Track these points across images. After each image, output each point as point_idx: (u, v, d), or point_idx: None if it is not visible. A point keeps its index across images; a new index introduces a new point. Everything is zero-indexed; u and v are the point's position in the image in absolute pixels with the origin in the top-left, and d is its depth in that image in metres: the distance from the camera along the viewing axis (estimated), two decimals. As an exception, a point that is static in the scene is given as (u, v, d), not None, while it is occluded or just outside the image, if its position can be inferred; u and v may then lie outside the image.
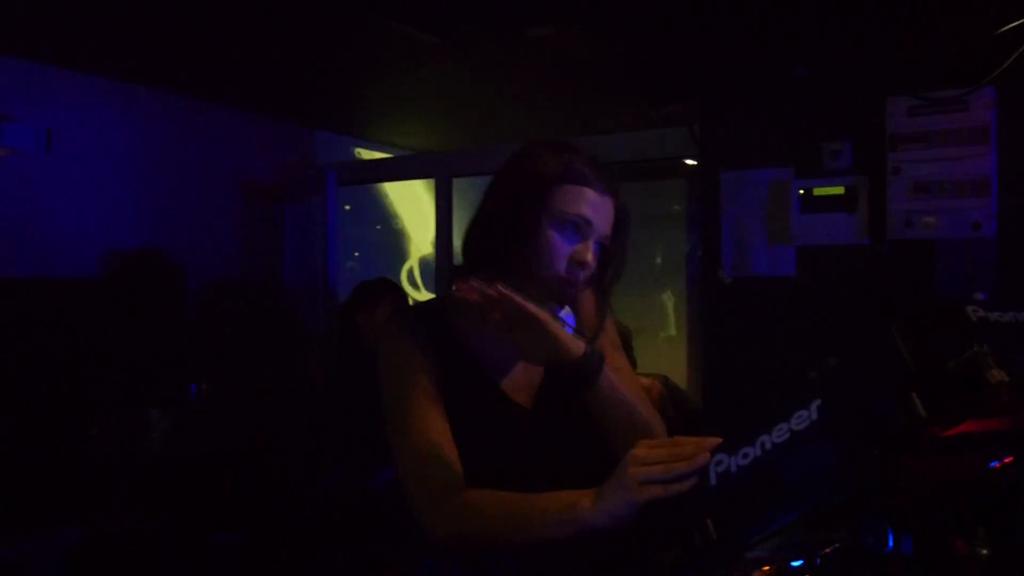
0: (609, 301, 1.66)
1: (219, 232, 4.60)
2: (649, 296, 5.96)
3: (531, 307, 1.37)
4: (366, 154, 5.66)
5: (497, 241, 1.49)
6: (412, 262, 6.42)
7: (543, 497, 1.26)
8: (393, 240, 6.40)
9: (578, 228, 1.47)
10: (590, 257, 1.47)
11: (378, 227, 6.35)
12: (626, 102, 4.24)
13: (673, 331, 5.59)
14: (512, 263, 1.47)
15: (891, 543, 1.07)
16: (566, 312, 1.56)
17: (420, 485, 1.39)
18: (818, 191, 3.04)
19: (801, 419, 0.96)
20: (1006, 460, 1.06)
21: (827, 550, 1.11)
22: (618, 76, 3.82)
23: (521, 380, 1.56)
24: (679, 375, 4.87)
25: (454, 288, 1.37)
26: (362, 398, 3.63)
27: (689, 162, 3.93)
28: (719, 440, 1.07)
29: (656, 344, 5.40)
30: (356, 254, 6.08)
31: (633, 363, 4.32)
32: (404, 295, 3.88)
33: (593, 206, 1.48)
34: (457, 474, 1.40)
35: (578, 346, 1.42)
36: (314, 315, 4.95)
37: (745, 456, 1.01)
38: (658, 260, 6.31)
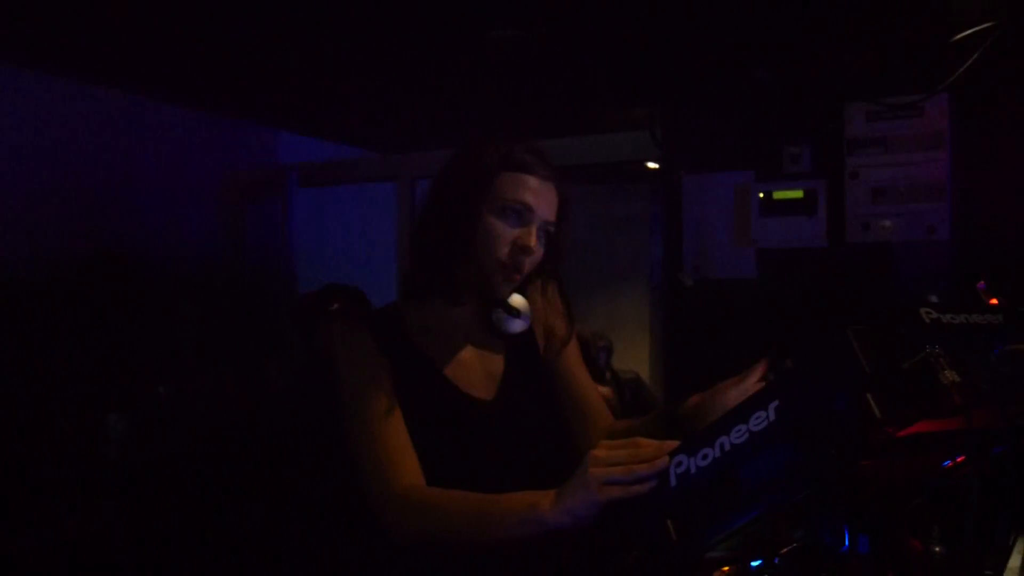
0: (564, 290, 1.68)
1: (183, 233, 4.55)
2: (613, 297, 5.99)
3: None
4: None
5: (440, 234, 1.50)
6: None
7: (504, 497, 1.27)
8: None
9: (520, 215, 1.48)
10: (533, 242, 1.48)
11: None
12: (589, 105, 4.26)
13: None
14: (456, 254, 1.48)
15: (848, 542, 1.09)
16: (523, 307, 1.57)
17: (382, 488, 1.39)
18: (778, 194, 3.07)
19: (759, 420, 0.97)
20: (958, 460, 1.08)
21: (785, 549, 1.12)
22: (581, 79, 3.83)
23: (479, 374, 1.57)
24: (642, 376, 4.90)
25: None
26: (319, 400, 3.61)
27: (651, 165, 3.95)
28: (677, 443, 1.07)
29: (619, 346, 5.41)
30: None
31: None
32: (369, 305, 3.88)
33: (535, 192, 1.49)
34: (417, 475, 1.41)
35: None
36: (275, 316, 4.92)
37: (704, 457, 1.01)
38: (621, 262, 6.34)
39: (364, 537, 1.53)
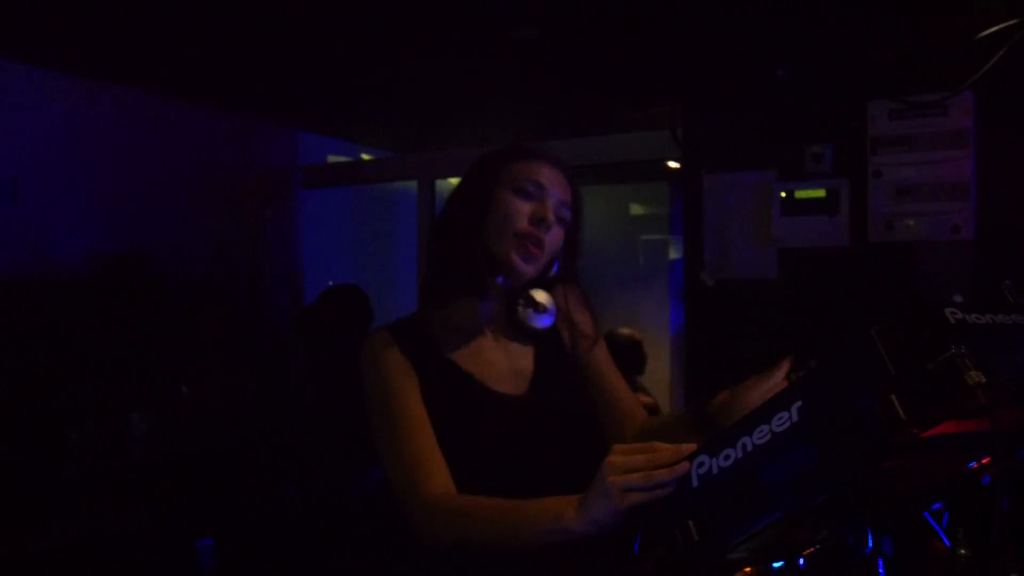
0: (584, 291, 1.70)
1: (202, 235, 4.58)
2: (634, 297, 5.98)
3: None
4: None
5: (458, 224, 1.55)
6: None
7: (530, 505, 1.28)
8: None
9: (534, 191, 1.53)
10: (550, 215, 1.52)
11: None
12: (609, 105, 4.25)
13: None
14: (474, 237, 1.52)
15: (871, 544, 1.08)
16: (548, 302, 1.58)
17: (412, 496, 1.41)
18: (800, 194, 3.05)
19: (782, 421, 0.96)
20: (984, 461, 1.07)
21: (808, 551, 1.11)
22: (601, 78, 3.82)
23: (507, 371, 1.59)
24: (662, 376, 4.89)
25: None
26: (343, 403, 3.63)
27: (672, 164, 3.94)
28: (695, 446, 1.07)
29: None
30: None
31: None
32: (368, 302, 3.99)
33: (547, 175, 1.55)
34: (446, 483, 1.42)
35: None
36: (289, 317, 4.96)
37: (726, 458, 1.01)
38: (641, 262, 6.33)
39: (383, 536, 1.55)
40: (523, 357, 1.61)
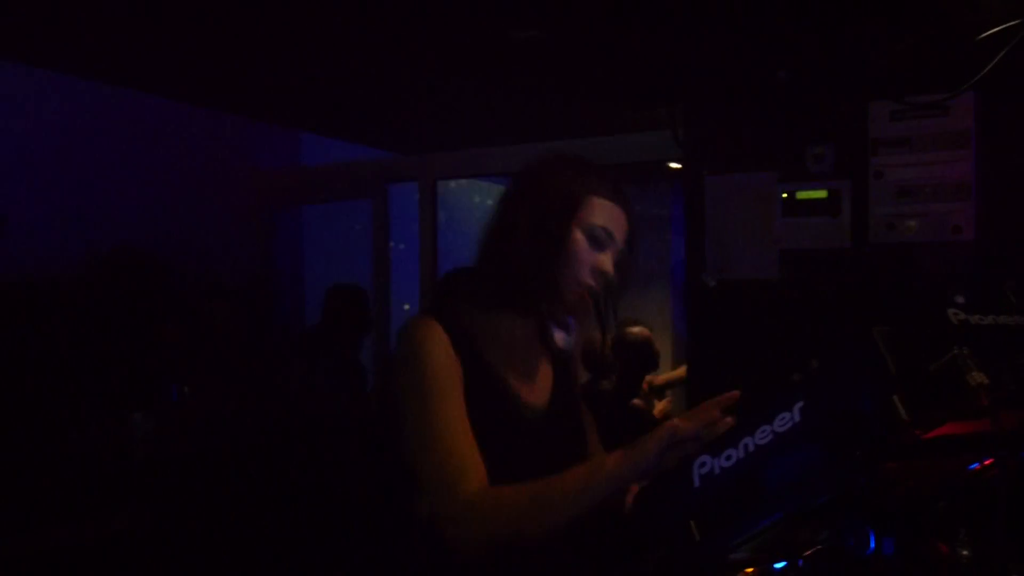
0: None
1: (204, 235, 4.58)
2: (635, 298, 5.97)
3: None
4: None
5: (527, 248, 1.53)
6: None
7: (565, 473, 1.37)
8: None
9: (603, 240, 1.55)
10: (611, 268, 1.55)
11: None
12: (610, 105, 4.25)
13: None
14: (543, 269, 1.53)
15: (873, 544, 1.08)
16: (573, 324, 1.65)
17: (451, 492, 1.40)
18: (801, 195, 3.05)
19: (784, 421, 0.96)
20: (986, 462, 1.07)
21: (809, 551, 1.11)
22: (602, 79, 3.82)
23: (534, 383, 1.62)
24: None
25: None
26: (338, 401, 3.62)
27: (673, 166, 3.94)
28: (736, 394, 1.19)
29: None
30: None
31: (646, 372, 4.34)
32: (368, 303, 4.02)
33: (616, 221, 1.57)
34: (482, 478, 1.42)
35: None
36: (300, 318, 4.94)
37: (728, 458, 1.01)
38: (643, 263, 6.32)
39: (381, 536, 1.55)
40: (545, 372, 1.66)
